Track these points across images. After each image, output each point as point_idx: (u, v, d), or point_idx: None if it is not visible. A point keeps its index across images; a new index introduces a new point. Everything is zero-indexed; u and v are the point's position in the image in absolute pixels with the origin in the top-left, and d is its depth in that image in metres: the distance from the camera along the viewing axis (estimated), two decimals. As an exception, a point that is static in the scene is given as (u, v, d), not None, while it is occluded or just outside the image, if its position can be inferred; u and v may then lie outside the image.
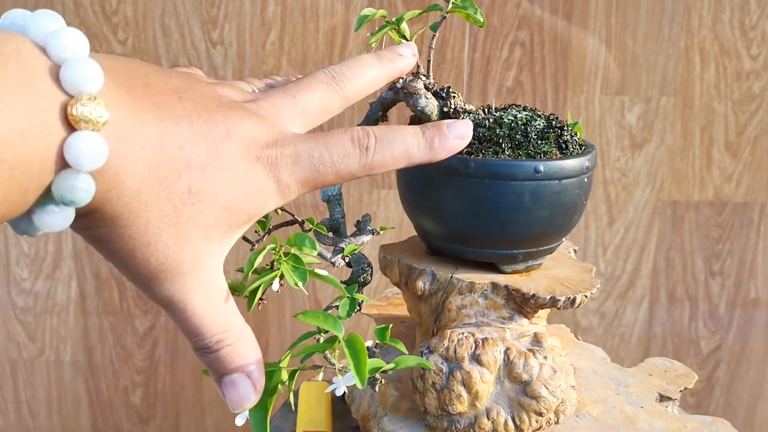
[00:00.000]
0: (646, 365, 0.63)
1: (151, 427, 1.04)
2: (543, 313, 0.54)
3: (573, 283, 0.52)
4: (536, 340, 0.52)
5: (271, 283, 0.41)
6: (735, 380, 1.00)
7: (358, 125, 0.52)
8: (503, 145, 0.50)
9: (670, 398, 0.58)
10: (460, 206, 0.50)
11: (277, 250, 0.41)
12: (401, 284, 0.55)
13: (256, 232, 0.45)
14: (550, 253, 0.54)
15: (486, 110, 0.53)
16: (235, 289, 0.42)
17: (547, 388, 0.50)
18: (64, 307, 0.97)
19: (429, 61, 0.51)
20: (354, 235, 0.50)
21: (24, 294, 0.98)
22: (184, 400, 1.02)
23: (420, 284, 0.53)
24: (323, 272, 0.43)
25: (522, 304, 0.51)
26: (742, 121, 0.90)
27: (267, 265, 0.43)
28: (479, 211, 0.50)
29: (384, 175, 0.93)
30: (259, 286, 0.41)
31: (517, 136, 0.51)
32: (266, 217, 0.45)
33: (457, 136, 0.45)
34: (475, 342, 0.50)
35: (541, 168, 0.49)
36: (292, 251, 0.41)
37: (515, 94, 0.90)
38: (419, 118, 0.54)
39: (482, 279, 0.52)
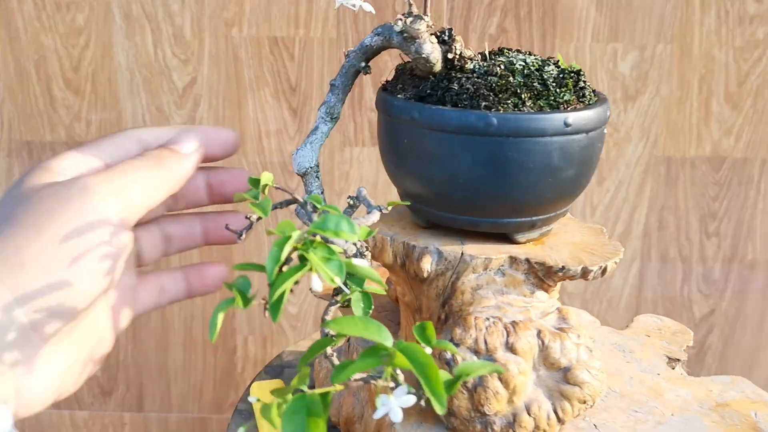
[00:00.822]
0: (638, 325, 0.58)
1: (113, 398, 0.98)
2: (557, 285, 0.47)
3: (595, 248, 0.46)
4: (562, 316, 0.45)
5: (296, 282, 0.31)
6: (728, 346, 0.95)
7: (332, 81, 0.45)
8: (522, 96, 0.43)
9: (678, 359, 0.53)
10: (480, 171, 0.42)
11: (306, 236, 0.32)
12: (395, 267, 0.47)
13: (247, 217, 0.38)
14: (563, 215, 0.48)
15: (485, 56, 0.46)
16: (249, 300, 0.33)
17: (589, 371, 0.43)
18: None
19: None
20: (356, 216, 0.40)
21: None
22: (147, 370, 0.97)
23: (425, 265, 0.45)
24: (363, 262, 0.34)
25: (544, 278, 0.44)
26: (743, 70, 0.83)
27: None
28: (503, 176, 0.42)
29: (357, 131, 0.87)
30: (284, 288, 0.31)
31: (535, 84, 0.44)
32: (255, 197, 0.38)
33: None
34: (506, 327, 0.43)
35: (570, 120, 0.42)
36: (319, 237, 0.32)
37: (499, 41, 0.83)
38: (413, 68, 0.46)
39: (498, 253, 0.45)
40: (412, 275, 0.46)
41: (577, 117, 0.42)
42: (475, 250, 0.45)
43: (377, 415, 0.30)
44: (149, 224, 0.44)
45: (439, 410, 0.27)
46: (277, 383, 0.59)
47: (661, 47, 0.82)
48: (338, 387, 0.30)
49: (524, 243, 0.46)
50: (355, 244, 0.36)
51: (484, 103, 0.42)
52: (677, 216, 0.89)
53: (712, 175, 0.87)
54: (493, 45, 0.81)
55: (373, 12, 0.42)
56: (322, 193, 0.44)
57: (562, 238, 0.48)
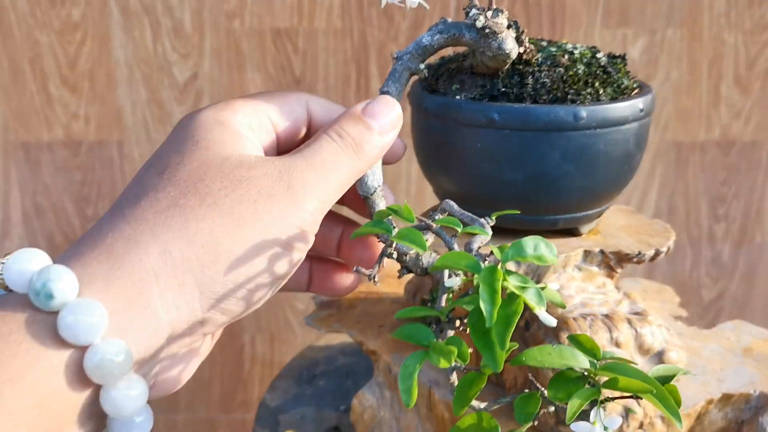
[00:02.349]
0: (626, 290, 0.58)
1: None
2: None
3: (645, 230, 0.47)
4: (632, 301, 0.45)
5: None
6: (739, 329, 0.95)
7: (382, 88, 0.41)
8: (595, 85, 0.42)
9: (681, 317, 0.54)
10: (568, 167, 0.41)
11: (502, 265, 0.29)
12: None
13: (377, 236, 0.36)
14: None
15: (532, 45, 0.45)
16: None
17: (677, 351, 0.43)
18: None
19: None
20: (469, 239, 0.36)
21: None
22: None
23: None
24: (555, 285, 0.34)
25: (615, 267, 0.44)
26: (752, 53, 0.82)
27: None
28: (590, 169, 0.41)
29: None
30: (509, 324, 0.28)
31: (599, 72, 0.43)
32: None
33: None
34: (604, 322, 0.42)
35: (642, 105, 0.42)
36: (506, 264, 0.29)
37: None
38: (472, 66, 0.43)
39: (571, 248, 0.44)
40: None
41: (646, 101, 0.43)
42: None
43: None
44: None
45: (680, 427, 0.28)
46: None
47: (671, 31, 0.81)
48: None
49: (585, 234, 0.46)
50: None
51: (569, 96, 0.41)
52: (687, 200, 0.89)
53: (722, 159, 0.87)
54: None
55: (426, 7, 0.41)
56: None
57: (611, 224, 0.48)
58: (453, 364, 0.31)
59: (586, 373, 0.30)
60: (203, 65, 0.82)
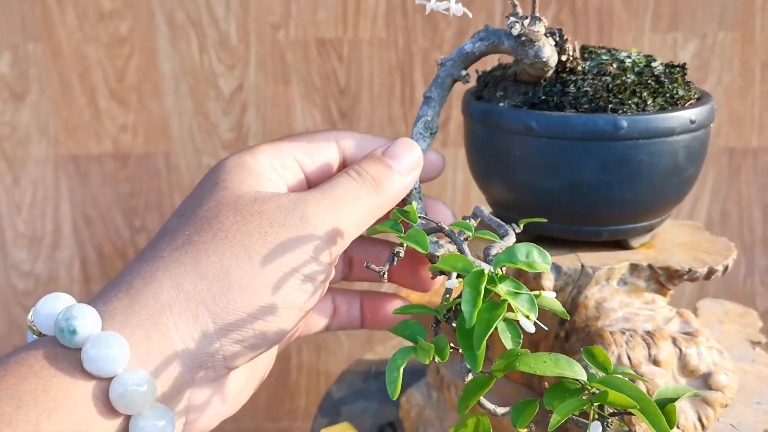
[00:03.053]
0: (705, 312, 0.57)
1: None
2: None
3: (707, 247, 0.45)
4: (684, 320, 0.43)
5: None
6: (795, 338, 0.93)
7: (426, 93, 0.42)
8: (642, 95, 0.41)
9: (759, 342, 0.53)
10: (607, 178, 0.41)
11: (495, 272, 0.30)
12: None
13: (394, 252, 0.36)
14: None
15: (580, 53, 0.44)
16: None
17: (727, 375, 0.42)
18: (67, 290, 0.90)
19: None
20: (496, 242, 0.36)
21: (24, 277, 0.90)
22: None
23: (546, 282, 0.43)
24: (551, 294, 0.33)
25: (665, 283, 0.43)
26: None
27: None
28: (631, 180, 0.41)
29: (455, 132, 0.85)
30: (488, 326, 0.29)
31: (650, 82, 0.42)
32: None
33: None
34: (644, 339, 0.42)
35: (694, 117, 0.41)
36: (503, 270, 0.30)
37: (553, 35, 0.80)
38: (516, 73, 0.43)
39: (618, 261, 0.43)
40: None
41: (699, 113, 0.41)
42: (593, 260, 0.43)
43: None
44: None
45: None
46: (345, 427, 0.57)
47: (723, 35, 0.79)
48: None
49: (637, 248, 0.45)
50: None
51: (610, 106, 0.40)
52: (740, 207, 0.87)
53: (776, 164, 0.85)
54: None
55: (470, 15, 0.40)
56: (426, 214, 0.42)
57: (670, 239, 0.46)
58: (434, 359, 0.31)
59: (583, 385, 0.30)
60: (248, 76, 0.83)
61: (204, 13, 0.80)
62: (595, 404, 0.29)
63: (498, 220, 0.37)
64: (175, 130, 0.85)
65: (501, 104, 0.43)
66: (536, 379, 0.48)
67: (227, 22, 0.81)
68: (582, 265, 0.43)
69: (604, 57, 0.43)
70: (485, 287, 0.29)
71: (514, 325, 0.31)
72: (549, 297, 0.32)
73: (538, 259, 0.31)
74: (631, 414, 0.29)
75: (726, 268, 0.43)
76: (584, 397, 0.29)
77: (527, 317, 0.29)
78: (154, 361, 0.31)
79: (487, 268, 0.30)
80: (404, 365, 0.31)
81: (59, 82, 0.83)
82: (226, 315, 0.32)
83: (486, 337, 0.28)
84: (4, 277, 0.90)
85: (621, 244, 0.44)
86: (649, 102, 0.41)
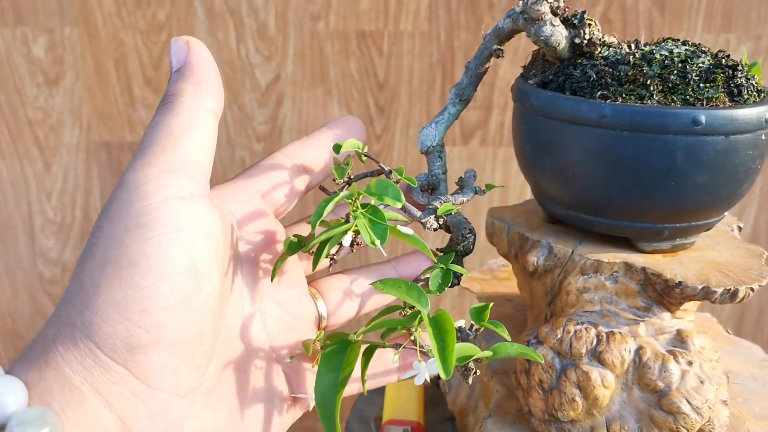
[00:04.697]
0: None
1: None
2: (690, 306, 0.43)
3: (734, 270, 0.40)
4: (680, 338, 0.41)
5: (341, 239, 0.35)
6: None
7: (467, 63, 0.42)
8: (651, 88, 0.39)
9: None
10: (590, 165, 0.39)
11: (354, 199, 0.35)
12: (510, 256, 0.46)
13: (333, 180, 0.37)
14: (707, 229, 0.43)
15: (633, 44, 0.42)
16: (300, 245, 0.36)
17: (689, 402, 0.39)
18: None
19: None
20: (454, 193, 0.41)
21: (51, 264, 0.89)
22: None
23: (532, 258, 0.43)
24: (408, 230, 0.37)
25: (664, 294, 0.40)
26: None
27: (342, 218, 0.37)
28: (615, 172, 0.39)
29: (495, 131, 0.82)
30: (327, 240, 0.35)
31: (672, 77, 0.39)
32: (346, 163, 0.38)
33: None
34: (598, 335, 0.41)
35: (702, 118, 0.37)
36: (372, 202, 0.35)
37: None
38: (541, 53, 0.44)
39: (612, 258, 0.41)
40: (521, 267, 0.45)
41: (712, 115, 0.37)
42: (588, 251, 0.42)
43: (407, 375, 0.38)
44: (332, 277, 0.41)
45: (443, 374, 0.30)
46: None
47: (779, 37, 0.76)
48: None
49: (650, 252, 0.42)
50: (437, 219, 0.39)
51: (600, 92, 0.38)
52: (789, 218, 0.84)
53: (829, 174, 0.82)
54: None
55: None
56: (444, 173, 0.43)
57: (702, 255, 0.43)
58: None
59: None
60: (286, 68, 0.81)
61: (243, 1, 0.79)
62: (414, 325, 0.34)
63: (471, 181, 0.41)
64: (209, 120, 0.83)
65: (530, 81, 0.43)
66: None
67: (266, 12, 0.79)
68: (572, 251, 0.42)
69: (662, 47, 0.41)
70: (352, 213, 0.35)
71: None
72: (406, 231, 0.37)
73: (391, 194, 0.36)
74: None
75: (733, 293, 0.38)
76: (401, 315, 0.36)
77: (372, 242, 0.34)
78: (56, 398, 0.30)
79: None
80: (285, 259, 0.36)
81: (94, 67, 0.82)
82: (94, 329, 0.30)
83: (318, 241, 0.35)
84: (30, 264, 0.88)
85: (631, 244, 0.42)
86: (657, 97, 0.38)
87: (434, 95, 0.81)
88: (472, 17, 0.78)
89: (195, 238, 0.32)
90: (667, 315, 0.41)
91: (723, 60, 0.41)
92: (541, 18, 0.40)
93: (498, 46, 0.42)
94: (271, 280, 0.36)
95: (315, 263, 0.35)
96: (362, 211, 0.34)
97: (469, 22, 0.78)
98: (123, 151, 0.84)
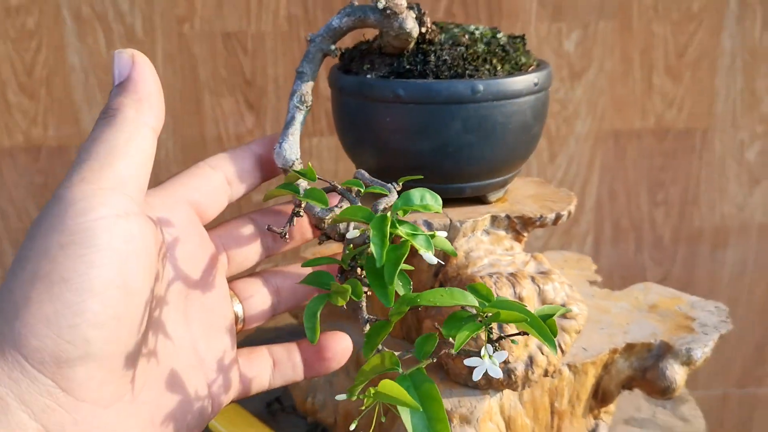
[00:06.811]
0: (548, 260, 0.63)
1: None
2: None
3: (552, 197, 0.51)
4: (538, 262, 0.49)
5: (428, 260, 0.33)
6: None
7: (298, 69, 0.45)
8: (493, 62, 0.46)
9: (595, 282, 0.60)
10: (469, 138, 0.45)
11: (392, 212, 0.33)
12: None
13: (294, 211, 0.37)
14: (505, 185, 0.51)
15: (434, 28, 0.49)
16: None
17: (578, 305, 0.48)
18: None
19: None
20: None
21: None
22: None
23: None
24: (443, 233, 0.36)
25: (521, 231, 0.48)
26: (681, 43, 0.87)
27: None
28: (490, 139, 0.46)
29: (314, 121, 0.88)
30: (396, 264, 0.31)
31: (498, 51, 0.47)
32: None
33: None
34: (509, 279, 0.47)
35: (537, 80, 0.46)
36: (399, 213, 0.33)
37: (447, 26, 0.85)
38: (381, 46, 0.47)
39: (480, 214, 0.48)
40: None
41: (540, 76, 0.47)
42: (459, 215, 0.48)
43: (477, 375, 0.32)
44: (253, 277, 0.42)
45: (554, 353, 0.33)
46: (233, 408, 0.57)
47: (603, 24, 0.85)
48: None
49: (494, 202, 0.49)
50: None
51: (467, 72, 0.45)
52: (627, 187, 0.93)
53: (658, 146, 0.91)
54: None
55: None
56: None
57: (520, 193, 0.52)
58: (351, 301, 0.34)
59: (475, 312, 0.33)
60: (157, 69, 0.85)
61: (109, 7, 0.83)
62: (488, 326, 0.32)
63: (380, 181, 0.39)
64: (87, 123, 0.87)
65: (369, 76, 0.47)
66: (414, 333, 0.52)
67: (132, 16, 0.83)
68: (450, 220, 0.47)
69: (455, 30, 0.48)
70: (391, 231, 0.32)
71: (404, 274, 0.35)
72: (441, 236, 0.36)
73: (431, 201, 0.34)
74: (525, 334, 0.33)
75: (569, 213, 0.49)
76: (479, 321, 0.32)
77: (428, 252, 0.32)
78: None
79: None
80: (320, 311, 0.33)
81: (-33, 76, 0.84)
82: (20, 339, 0.30)
83: (396, 274, 0.31)
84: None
85: (480, 200, 0.49)
86: (498, 68, 0.46)
87: (299, 90, 0.87)
88: (329, 16, 0.84)
89: (128, 256, 0.32)
90: (520, 247, 0.49)
91: (507, 34, 0.49)
92: (404, 12, 0.43)
93: (334, 46, 0.45)
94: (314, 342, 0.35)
95: (390, 300, 0.32)
96: (406, 231, 0.33)
97: (325, 20, 0.84)
98: (3, 156, 0.87)
